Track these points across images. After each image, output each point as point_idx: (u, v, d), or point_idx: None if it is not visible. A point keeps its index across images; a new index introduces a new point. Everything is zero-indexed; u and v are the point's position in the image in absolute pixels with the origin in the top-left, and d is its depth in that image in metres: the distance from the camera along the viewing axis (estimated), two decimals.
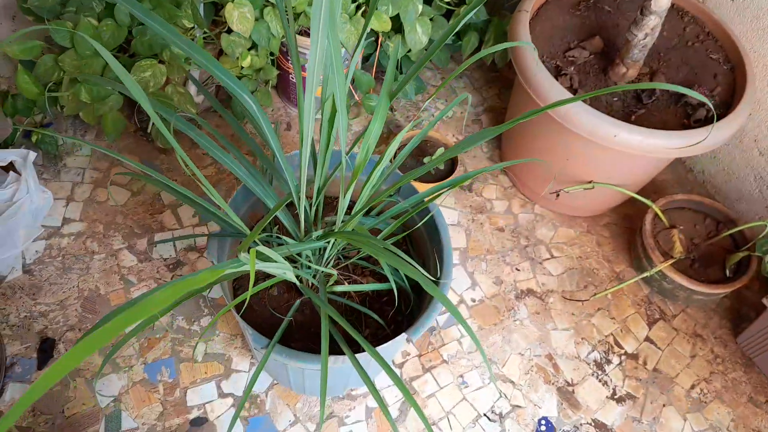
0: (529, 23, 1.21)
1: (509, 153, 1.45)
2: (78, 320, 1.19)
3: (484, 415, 1.16)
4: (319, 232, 0.83)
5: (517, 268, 1.35)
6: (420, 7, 1.32)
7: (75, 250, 1.27)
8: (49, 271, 1.24)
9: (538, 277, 1.34)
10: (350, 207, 1.05)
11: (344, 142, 0.76)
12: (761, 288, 1.36)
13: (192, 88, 1.34)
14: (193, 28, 1.21)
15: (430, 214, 0.92)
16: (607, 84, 1.21)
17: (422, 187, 1.35)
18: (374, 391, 0.73)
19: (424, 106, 1.60)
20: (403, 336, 0.84)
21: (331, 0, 0.61)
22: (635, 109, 1.18)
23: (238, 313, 0.87)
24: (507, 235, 1.40)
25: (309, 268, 0.90)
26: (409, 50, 1.38)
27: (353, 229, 0.81)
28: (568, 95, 1.10)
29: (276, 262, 0.73)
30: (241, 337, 1.20)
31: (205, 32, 1.24)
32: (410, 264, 0.67)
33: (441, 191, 0.83)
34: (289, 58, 1.38)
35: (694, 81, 1.22)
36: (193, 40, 1.24)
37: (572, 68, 1.22)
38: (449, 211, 1.41)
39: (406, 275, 0.95)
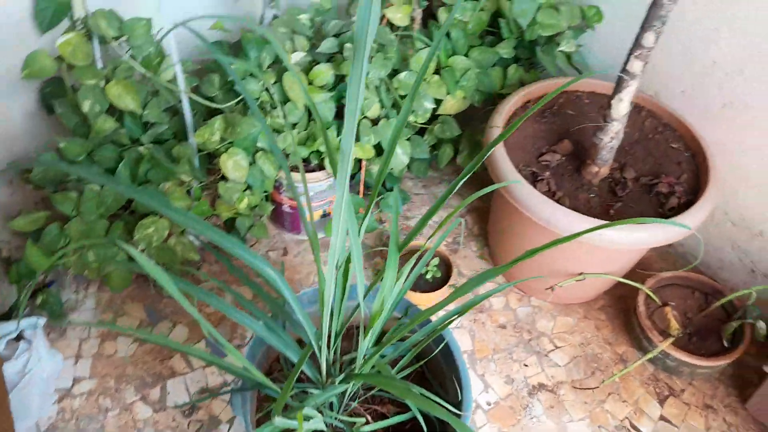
0: None
1: (498, 252, 1.52)
2: None
3: None
4: (341, 376, 0.86)
5: (525, 364, 1.38)
6: None
7: (88, 410, 1.27)
8: None
9: (547, 370, 1.37)
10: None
11: (361, 292, 0.81)
12: (759, 352, 1.41)
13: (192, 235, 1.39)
14: (190, 180, 1.27)
15: (444, 342, 0.96)
16: (582, 184, 1.30)
17: (423, 298, 1.41)
18: None
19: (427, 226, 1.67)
20: None
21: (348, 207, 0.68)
22: (612, 203, 1.26)
23: None
24: (510, 331, 1.44)
25: (330, 409, 0.93)
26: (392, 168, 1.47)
27: (375, 368, 0.85)
28: (550, 202, 1.17)
29: (312, 418, 0.76)
30: None
31: (201, 182, 1.30)
32: (436, 403, 0.70)
33: (453, 318, 0.88)
34: (281, 191, 1.45)
35: (660, 171, 1.31)
36: (189, 191, 1.31)
37: (547, 173, 1.30)
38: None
39: None
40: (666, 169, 1.32)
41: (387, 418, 1.03)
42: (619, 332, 1.45)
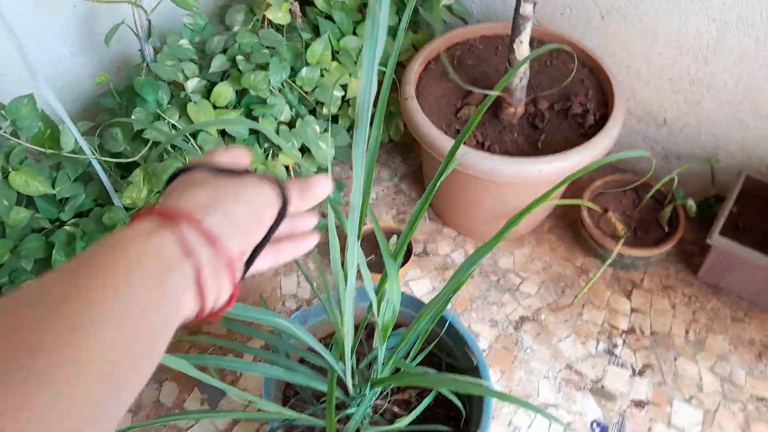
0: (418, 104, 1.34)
1: (445, 210, 1.57)
2: None
3: None
4: (368, 385, 0.88)
5: (501, 303, 1.46)
6: (317, 127, 1.41)
7: None
8: None
9: (522, 303, 1.46)
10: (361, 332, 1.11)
11: (374, 296, 0.83)
12: (693, 227, 1.56)
13: None
14: None
15: (447, 323, 1.01)
16: (504, 126, 1.36)
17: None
18: None
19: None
20: None
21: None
22: (536, 137, 1.34)
23: None
24: (477, 279, 1.51)
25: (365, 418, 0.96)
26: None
27: (398, 369, 0.88)
28: (488, 156, 1.22)
29: None
30: None
31: None
32: (470, 383, 0.75)
33: (449, 298, 0.92)
34: None
35: (569, 93, 1.39)
36: None
37: None
38: (420, 281, 1.51)
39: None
40: (573, 90, 1.40)
41: (410, 403, 1.08)
42: (572, 247, 1.55)
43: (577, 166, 1.23)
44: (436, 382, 0.77)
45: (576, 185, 1.59)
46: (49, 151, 1.16)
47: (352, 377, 0.95)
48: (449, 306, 1.46)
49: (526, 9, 1.14)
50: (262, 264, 0.46)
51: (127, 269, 0.33)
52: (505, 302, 1.47)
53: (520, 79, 1.27)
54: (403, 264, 1.46)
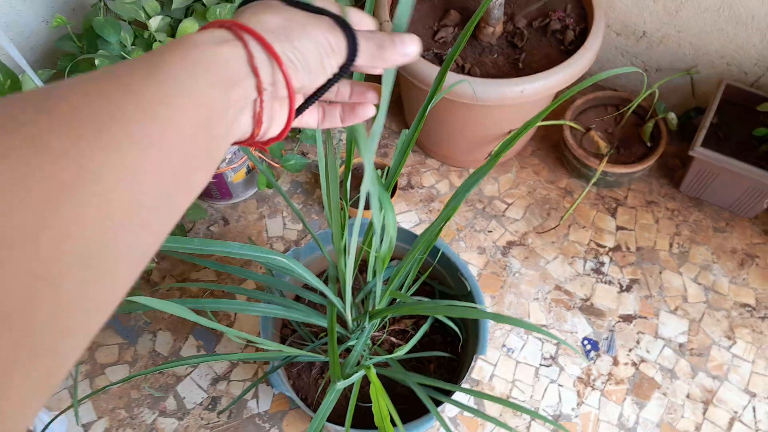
0: None
1: (427, 140, 1.55)
2: None
3: (540, 365, 1.29)
4: (366, 317, 0.89)
5: (488, 230, 1.47)
6: None
7: None
8: None
9: (509, 228, 1.47)
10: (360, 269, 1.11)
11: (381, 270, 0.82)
12: (674, 141, 1.56)
13: None
14: None
15: (440, 252, 1.00)
16: (483, 47, 1.32)
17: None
18: (468, 408, 0.82)
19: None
20: (476, 357, 0.93)
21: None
22: (517, 56, 1.30)
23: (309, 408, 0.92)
24: (463, 207, 1.51)
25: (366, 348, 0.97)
26: None
27: (395, 300, 0.88)
28: (466, 79, 1.19)
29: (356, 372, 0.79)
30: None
31: None
32: (467, 307, 0.75)
33: (440, 228, 0.91)
34: None
35: (547, 9, 1.35)
36: None
37: (449, 49, 1.31)
38: (407, 215, 1.50)
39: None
40: (551, 6, 1.36)
41: (407, 332, 1.09)
42: (555, 169, 1.55)
43: (561, 84, 1.21)
44: (434, 310, 0.77)
45: (557, 105, 1.57)
46: None
47: (350, 312, 0.95)
48: None
49: None
50: (310, 118, 0.45)
51: (197, 69, 0.32)
52: (492, 229, 1.47)
53: None
54: (390, 197, 1.44)
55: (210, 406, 1.28)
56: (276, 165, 1.51)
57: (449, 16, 1.36)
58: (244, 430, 1.25)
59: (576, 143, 1.43)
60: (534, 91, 1.20)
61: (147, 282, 1.44)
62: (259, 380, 1.03)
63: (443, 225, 0.92)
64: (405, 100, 1.55)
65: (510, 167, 1.56)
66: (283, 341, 1.11)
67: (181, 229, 1.42)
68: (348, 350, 0.98)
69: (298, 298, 1.17)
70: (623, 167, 1.39)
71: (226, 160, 1.39)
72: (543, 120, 1.46)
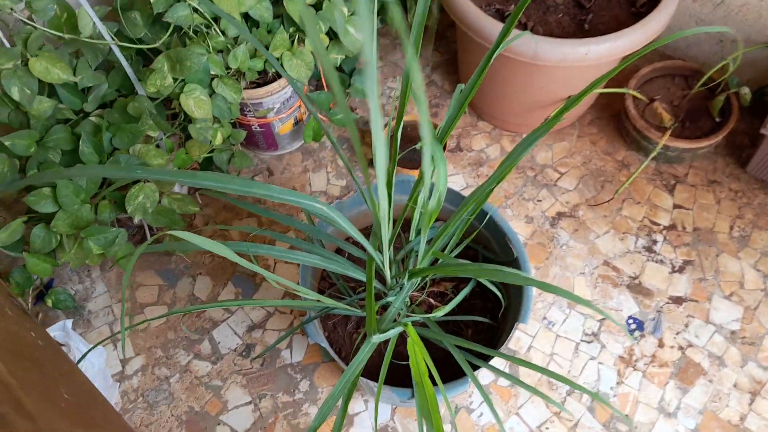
0: None
1: (481, 101, 1.49)
2: None
3: (581, 341, 1.25)
4: (406, 275, 0.86)
5: (538, 200, 1.42)
6: (345, 9, 1.32)
7: (149, 384, 1.27)
8: (139, 415, 1.25)
9: (560, 198, 1.41)
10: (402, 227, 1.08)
11: (425, 226, 0.79)
12: (745, 117, 1.46)
13: (176, 185, 1.32)
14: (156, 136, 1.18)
15: (488, 216, 0.96)
16: (548, 6, 1.25)
17: (416, 173, 1.40)
18: (504, 374, 0.79)
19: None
20: (516, 325, 0.90)
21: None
22: (583, 17, 1.23)
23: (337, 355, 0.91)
24: (513, 174, 1.46)
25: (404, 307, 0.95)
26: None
27: (437, 260, 0.85)
28: (530, 36, 1.13)
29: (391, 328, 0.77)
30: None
31: (167, 133, 1.22)
32: (512, 273, 0.72)
33: (490, 189, 0.87)
34: (246, 112, 1.37)
35: None
36: (158, 145, 1.22)
37: (512, 5, 1.25)
38: (453, 177, 1.46)
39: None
40: None
41: (447, 295, 1.06)
42: (614, 140, 1.48)
43: (629, 48, 1.14)
44: (478, 272, 0.74)
45: (620, 73, 1.49)
46: (67, 36, 1.10)
47: (390, 269, 0.93)
48: None
49: None
50: None
51: None
52: (541, 198, 1.42)
53: None
54: None
55: (244, 353, 1.29)
56: (323, 119, 1.48)
57: None
58: (276, 378, 1.26)
59: (638, 114, 1.36)
60: (599, 54, 1.13)
61: (190, 227, 1.45)
62: (296, 329, 1.02)
63: (494, 187, 0.88)
64: (462, 58, 1.49)
65: (566, 135, 1.50)
66: (321, 293, 1.10)
67: None
68: (385, 307, 0.96)
69: (338, 251, 1.16)
70: (687, 142, 1.31)
71: (274, 110, 1.37)
72: (605, 87, 1.39)
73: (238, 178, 0.66)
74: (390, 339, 0.85)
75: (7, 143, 1.10)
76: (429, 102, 1.58)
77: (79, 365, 1.18)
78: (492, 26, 1.14)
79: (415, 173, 1.38)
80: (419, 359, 0.63)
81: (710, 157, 1.43)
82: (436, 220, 1.05)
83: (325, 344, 0.91)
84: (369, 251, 0.81)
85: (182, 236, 0.66)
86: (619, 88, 1.35)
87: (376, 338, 0.74)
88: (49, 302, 1.32)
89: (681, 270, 1.31)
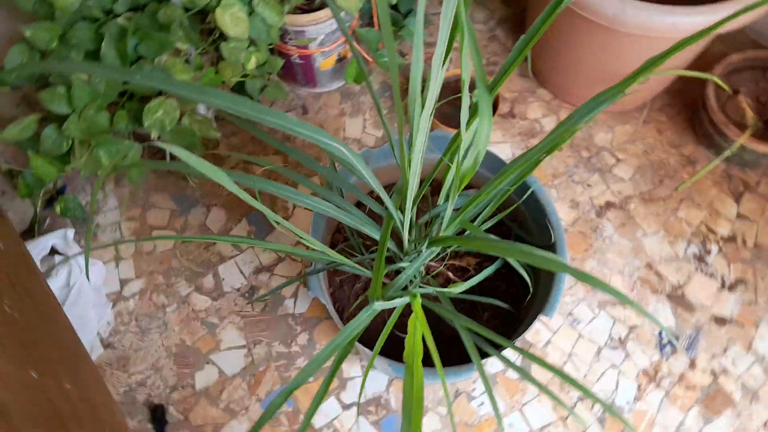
0: None
1: (544, 64, 1.35)
2: (177, 378, 1.16)
3: (605, 345, 1.14)
4: (426, 242, 0.76)
5: (588, 184, 1.29)
6: None
7: (145, 309, 1.22)
8: (129, 339, 1.20)
9: (612, 187, 1.28)
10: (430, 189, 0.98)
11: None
12: None
13: (201, 108, 1.24)
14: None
15: (530, 190, 0.85)
16: None
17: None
18: (515, 367, 0.69)
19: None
20: (539, 317, 0.79)
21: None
22: None
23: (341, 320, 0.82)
24: (566, 152, 1.32)
25: (415, 278, 0.85)
26: None
27: (464, 231, 0.75)
28: None
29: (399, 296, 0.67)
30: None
31: (198, 48, 1.12)
32: (546, 257, 0.61)
33: (539, 160, 0.76)
34: (287, 40, 1.26)
35: None
36: (188, 60, 1.13)
37: None
38: (500, 146, 1.34)
39: None
40: None
41: (468, 271, 0.96)
42: (683, 132, 1.33)
43: (727, 25, 0.98)
44: (507, 251, 0.63)
45: (704, 58, 1.33)
46: None
47: (410, 232, 0.83)
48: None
49: None
50: None
51: None
52: (592, 183, 1.29)
53: None
54: None
55: (247, 294, 1.22)
56: (369, 60, 1.37)
57: None
58: (274, 325, 1.19)
59: (718, 105, 1.20)
60: (688, 27, 0.98)
61: (213, 156, 1.37)
62: (299, 278, 0.94)
63: (541, 158, 0.76)
64: (529, 12, 1.35)
65: (631, 118, 1.35)
66: (333, 247, 1.01)
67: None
68: (398, 272, 0.86)
69: (359, 205, 1.06)
70: None
71: (317, 41, 1.26)
72: (686, 68, 1.24)
73: (250, 102, 0.56)
74: (396, 308, 0.75)
75: (27, 33, 1.02)
76: (487, 59, 1.45)
77: (75, 279, 1.13)
78: None
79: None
80: (417, 339, 0.54)
81: None
82: (470, 187, 0.94)
83: (325, 300, 0.83)
84: (388, 206, 0.71)
85: (179, 154, 0.57)
86: (702, 73, 1.19)
87: (379, 305, 0.65)
88: (58, 209, 1.26)
89: (732, 288, 1.18)
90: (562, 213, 1.26)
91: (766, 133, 1.20)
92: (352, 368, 1.15)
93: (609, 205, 1.26)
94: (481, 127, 0.61)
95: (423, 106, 0.57)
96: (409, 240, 0.77)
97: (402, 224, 0.71)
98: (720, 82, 1.12)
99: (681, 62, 1.21)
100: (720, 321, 1.15)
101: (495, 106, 1.29)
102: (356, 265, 0.80)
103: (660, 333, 1.14)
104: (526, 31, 1.39)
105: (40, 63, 0.43)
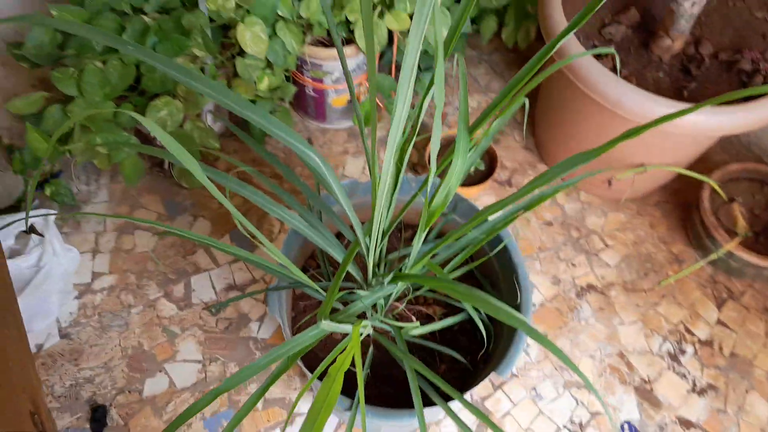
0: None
1: (547, 142, 1.37)
2: (126, 381, 1.13)
3: (564, 427, 1.10)
4: (390, 276, 0.76)
5: (572, 263, 1.28)
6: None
7: (110, 306, 1.20)
8: (88, 333, 1.17)
9: (596, 270, 1.27)
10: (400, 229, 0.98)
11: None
12: None
13: (209, 117, 1.26)
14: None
15: (502, 244, 0.85)
16: (651, 60, 1.13)
17: (463, 191, 1.29)
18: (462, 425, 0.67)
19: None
20: (489, 374, 0.77)
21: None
22: (685, 83, 1.10)
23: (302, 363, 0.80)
24: (556, 228, 1.33)
25: (376, 311, 0.84)
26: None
27: (425, 267, 0.74)
28: (621, 81, 1.01)
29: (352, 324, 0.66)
30: (301, 377, 1.14)
31: (216, 58, 1.15)
32: (502, 308, 0.60)
33: (515, 215, 0.76)
34: (305, 71, 1.30)
35: (742, 44, 1.14)
36: (203, 68, 1.16)
37: (612, 46, 1.13)
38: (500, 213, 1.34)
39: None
40: (748, 42, 1.14)
41: (433, 319, 0.94)
42: (675, 230, 1.33)
43: (729, 129, 1.00)
44: (465, 296, 0.62)
45: (706, 163, 1.35)
46: None
47: (377, 264, 0.83)
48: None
49: None
50: None
51: None
52: (577, 263, 1.28)
53: (692, 3, 1.03)
54: (481, 182, 1.29)
55: (213, 310, 1.20)
56: (380, 105, 1.40)
57: (627, 13, 1.17)
58: (234, 346, 1.16)
59: (711, 209, 1.21)
60: (691, 125, 1.00)
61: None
62: (256, 292, 0.93)
63: (518, 214, 0.77)
64: (543, 89, 1.38)
65: (625, 208, 1.36)
66: (305, 272, 1.00)
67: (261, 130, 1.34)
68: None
69: (339, 236, 1.06)
70: (756, 257, 1.15)
71: (333, 77, 1.29)
72: (685, 168, 1.25)
73: (238, 97, 0.57)
74: (349, 336, 0.74)
75: (54, 13, 1.06)
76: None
77: (46, 261, 1.12)
78: (585, 65, 1.02)
79: (463, 191, 1.27)
80: (348, 358, 0.52)
81: None
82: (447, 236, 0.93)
83: (281, 318, 0.81)
84: (356, 229, 0.71)
85: (158, 134, 0.58)
86: (701, 175, 1.20)
87: (326, 324, 0.63)
88: (48, 191, 1.27)
89: (702, 392, 1.15)
90: (542, 286, 1.24)
91: (756, 245, 1.19)
92: (304, 404, 1.12)
93: (590, 287, 1.25)
94: (454, 164, 0.62)
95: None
96: (373, 271, 0.77)
97: (367, 251, 0.71)
98: (716, 187, 1.13)
99: (681, 161, 1.22)
100: (686, 423, 1.11)
101: (492, 169, 1.30)
102: (319, 289, 0.79)
103: (622, 426, 1.11)
104: (537, 100, 1.42)
105: (67, 27, 0.44)
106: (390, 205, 0.74)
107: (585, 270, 1.27)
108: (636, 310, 1.22)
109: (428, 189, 0.63)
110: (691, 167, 1.26)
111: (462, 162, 0.62)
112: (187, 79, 0.54)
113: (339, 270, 0.65)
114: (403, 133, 0.65)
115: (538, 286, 1.25)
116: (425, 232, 0.74)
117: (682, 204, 1.36)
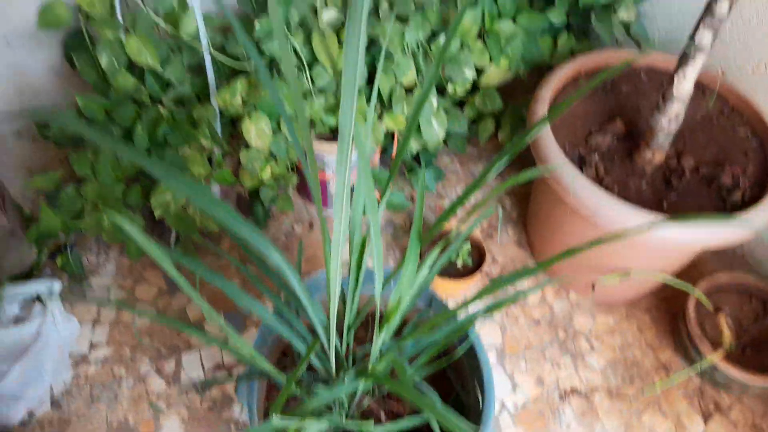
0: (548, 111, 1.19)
1: (536, 240, 1.41)
2: None
3: None
4: (351, 373, 0.78)
5: (557, 364, 1.28)
6: (435, 103, 1.31)
7: (102, 378, 1.24)
8: (77, 404, 1.21)
9: (581, 373, 1.27)
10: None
11: (380, 279, 0.73)
12: None
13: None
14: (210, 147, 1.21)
15: (468, 342, 0.87)
16: (634, 170, 1.18)
17: (451, 286, 1.32)
18: None
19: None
20: None
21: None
22: (666, 195, 1.14)
23: None
24: (544, 327, 1.34)
25: (341, 407, 0.86)
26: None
27: (390, 367, 0.77)
28: (598, 190, 1.06)
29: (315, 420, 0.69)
30: None
31: (223, 149, 1.24)
32: (451, 420, 0.62)
33: (482, 315, 0.79)
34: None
35: (724, 160, 1.18)
36: (210, 158, 1.24)
37: (596, 156, 1.19)
38: (479, 303, 1.37)
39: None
40: (730, 158, 1.18)
41: (402, 417, 0.96)
42: (663, 337, 1.33)
43: (705, 241, 1.03)
44: (417, 399, 0.65)
45: (695, 271, 1.36)
46: (170, 28, 1.16)
47: (344, 360, 0.85)
48: (497, 345, 1.31)
49: (704, 37, 0.96)
50: None
51: None
52: (562, 365, 1.28)
53: (669, 121, 1.08)
54: (470, 275, 1.32)
55: (200, 389, 1.23)
56: (378, 198, 1.46)
57: (613, 124, 1.23)
58: (215, 427, 1.18)
59: (696, 319, 1.21)
60: (666, 237, 1.03)
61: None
62: (229, 380, 0.96)
63: (484, 313, 0.80)
64: (534, 191, 1.43)
65: (614, 311, 1.37)
66: (280, 367, 1.03)
67: (265, 214, 1.41)
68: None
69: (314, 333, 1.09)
70: (739, 372, 1.14)
71: (333, 168, 1.36)
72: (674, 277, 1.26)
73: (213, 198, 0.63)
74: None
75: (80, 102, 1.16)
76: (489, 223, 1.52)
77: (45, 330, 1.17)
78: (566, 173, 1.07)
79: (445, 285, 1.31)
80: None
81: (765, 399, 1.24)
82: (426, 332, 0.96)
83: (248, 408, 0.84)
84: (316, 328, 0.74)
85: (124, 226, 0.63)
86: (685, 284, 1.21)
87: (276, 420, 0.66)
88: (59, 262, 1.34)
89: None
90: (524, 386, 1.25)
91: (742, 359, 1.19)
92: None
93: (574, 391, 1.25)
94: (404, 271, 0.66)
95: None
96: (336, 367, 0.80)
97: (328, 345, 0.74)
98: (702, 297, 1.14)
99: (670, 268, 1.24)
100: None
101: (481, 261, 1.33)
102: (279, 376, 0.82)
103: None
104: (529, 206, 1.46)
105: (79, 124, 0.51)
106: (354, 299, 0.78)
107: (570, 372, 1.27)
108: (619, 417, 1.21)
109: (376, 298, 0.67)
110: (681, 274, 1.28)
111: (412, 265, 0.66)
112: (167, 180, 0.61)
113: (298, 365, 0.68)
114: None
115: (522, 386, 1.25)
116: (388, 331, 0.78)
117: (671, 311, 1.37)
